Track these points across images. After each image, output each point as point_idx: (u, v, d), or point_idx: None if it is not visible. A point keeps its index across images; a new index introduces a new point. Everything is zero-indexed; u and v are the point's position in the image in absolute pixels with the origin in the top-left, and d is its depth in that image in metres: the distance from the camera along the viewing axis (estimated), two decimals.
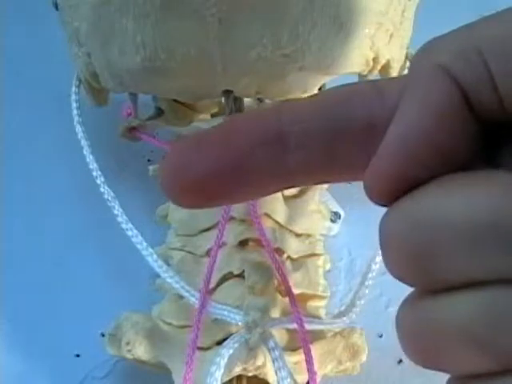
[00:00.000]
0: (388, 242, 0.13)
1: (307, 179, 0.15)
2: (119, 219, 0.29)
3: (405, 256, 0.13)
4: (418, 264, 0.13)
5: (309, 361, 0.25)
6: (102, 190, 0.30)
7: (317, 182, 0.15)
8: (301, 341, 0.26)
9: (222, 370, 0.26)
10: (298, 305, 0.27)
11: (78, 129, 0.31)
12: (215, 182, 0.14)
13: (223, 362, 0.26)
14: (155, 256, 0.29)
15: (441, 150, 0.13)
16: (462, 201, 0.12)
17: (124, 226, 0.29)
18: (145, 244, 0.29)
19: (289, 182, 0.15)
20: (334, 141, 0.14)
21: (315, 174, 0.15)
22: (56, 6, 0.30)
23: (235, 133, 0.15)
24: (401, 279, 0.13)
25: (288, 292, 0.27)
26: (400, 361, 0.32)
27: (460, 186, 0.12)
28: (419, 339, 0.13)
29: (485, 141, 0.13)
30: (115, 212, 0.29)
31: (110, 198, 0.30)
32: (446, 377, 0.30)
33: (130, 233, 0.29)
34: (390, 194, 0.13)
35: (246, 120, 0.15)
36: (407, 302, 0.14)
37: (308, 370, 0.25)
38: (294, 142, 0.14)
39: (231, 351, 0.26)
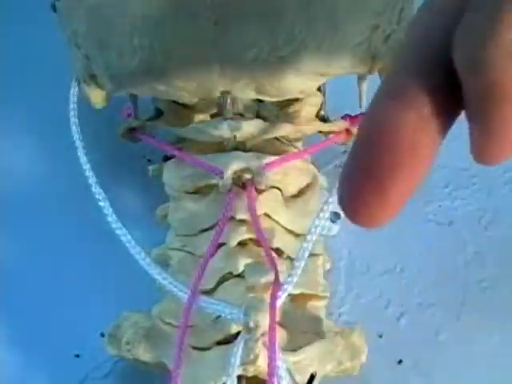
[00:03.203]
0: None
1: None
2: (109, 219, 0.29)
3: None
4: None
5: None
6: (93, 190, 0.30)
7: None
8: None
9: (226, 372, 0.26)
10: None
11: (74, 130, 0.31)
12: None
13: (228, 364, 0.26)
14: (143, 254, 0.29)
15: None
16: None
17: (114, 225, 0.29)
18: (133, 242, 0.29)
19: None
20: None
21: None
22: (54, 8, 0.30)
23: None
24: None
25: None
26: (400, 361, 0.31)
27: None
28: None
29: None
30: (105, 212, 0.30)
31: (100, 198, 0.30)
32: (445, 377, 0.30)
33: (119, 232, 0.29)
34: None
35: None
36: None
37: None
38: None
39: (236, 350, 0.26)
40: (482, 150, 0.13)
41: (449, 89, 0.13)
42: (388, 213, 0.14)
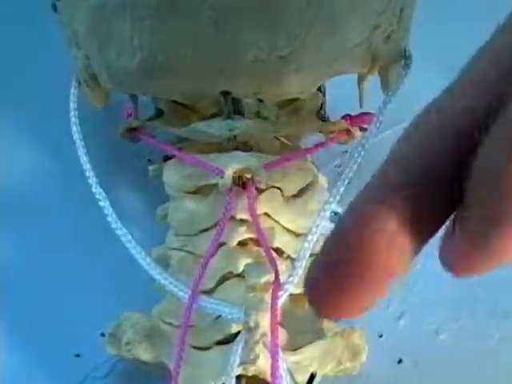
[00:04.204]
0: None
1: None
2: (109, 219, 0.29)
3: None
4: None
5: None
6: (93, 190, 0.30)
7: None
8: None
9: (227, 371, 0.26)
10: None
11: (74, 129, 0.31)
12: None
13: (228, 364, 0.26)
14: (143, 254, 0.29)
15: None
16: None
17: (114, 225, 0.29)
18: (133, 242, 0.29)
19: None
20: None
21: None
22: (55, 8, 0.30)
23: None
24: None
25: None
26: (400, 361, 0.31)
27: None
28: None
29: None
30: (105, 212, 0.30)
31: (100, 198, 0.30)
32: (445, 377, 0.30)
33: (119, 232, 0.29)
34: None
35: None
36: None
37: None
38: None
39: (235, 350, 0.26)
40: (465, 260, 0.13)
41: (434, 201, 0.13)
42: (357, 311, 0.13)
